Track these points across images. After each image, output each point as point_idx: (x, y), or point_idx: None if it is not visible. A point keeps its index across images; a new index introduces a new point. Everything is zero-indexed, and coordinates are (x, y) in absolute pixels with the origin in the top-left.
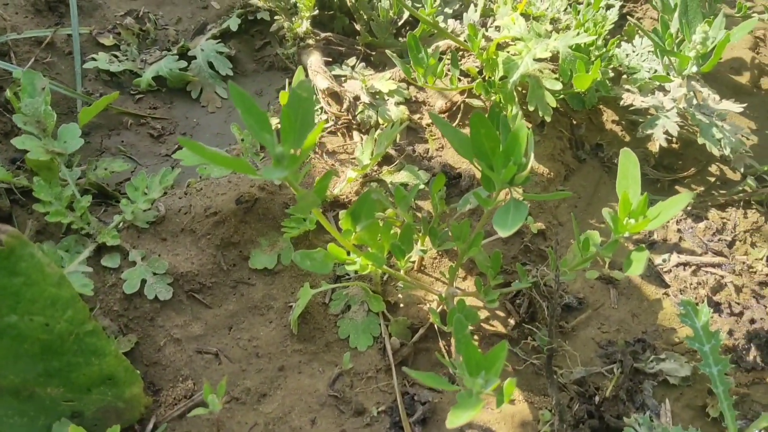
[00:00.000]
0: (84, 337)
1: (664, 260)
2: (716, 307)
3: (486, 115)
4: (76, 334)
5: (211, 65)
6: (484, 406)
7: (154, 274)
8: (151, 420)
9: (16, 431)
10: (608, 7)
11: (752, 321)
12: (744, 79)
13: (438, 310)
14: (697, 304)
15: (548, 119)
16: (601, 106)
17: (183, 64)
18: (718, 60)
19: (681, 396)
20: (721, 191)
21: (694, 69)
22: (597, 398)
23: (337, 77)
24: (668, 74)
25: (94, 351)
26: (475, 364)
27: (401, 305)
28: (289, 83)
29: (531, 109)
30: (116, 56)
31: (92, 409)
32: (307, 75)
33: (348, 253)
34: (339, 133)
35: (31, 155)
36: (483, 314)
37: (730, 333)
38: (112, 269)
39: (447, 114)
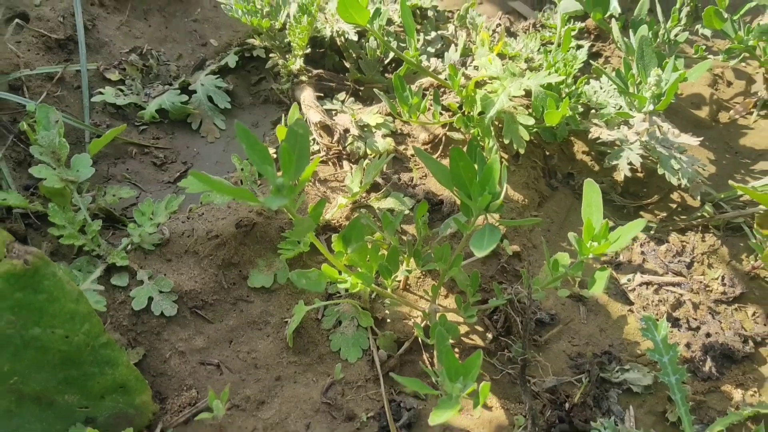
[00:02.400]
0: (99, 349)
1: (628, 280)
2: (675, 322)
3: (465, 148)
4: (92, 345)
5: (210, 99)
6: (463, 411)
7: (160, 292)
8: (158, 425)
9: None
10: (578, 47)
11: (708, 335)
12: (703, 113)
13: (422, 325)
14: (657, 319)
15: (522, 151)
16: (572, 138)
17: (184, 97)
18: (671, 100)
19: (643, 403)
20: (682, 217)
21: (651, 107)
22: (567, 405)
23: (328, 111)
24: (631, 110)
25: (107, 361)
26: (454, 370)
27: (388, 321)
28: (284, 116)
29: (506, 142)
30: (122, 90)
31: (105, 415)
32: (300, 109)
33: (339, 273)
34: (330, 163)
35: (46, 183)
36: (463, 329)
37: (688, 346)
38: (121, 287)
39: (430, 145)
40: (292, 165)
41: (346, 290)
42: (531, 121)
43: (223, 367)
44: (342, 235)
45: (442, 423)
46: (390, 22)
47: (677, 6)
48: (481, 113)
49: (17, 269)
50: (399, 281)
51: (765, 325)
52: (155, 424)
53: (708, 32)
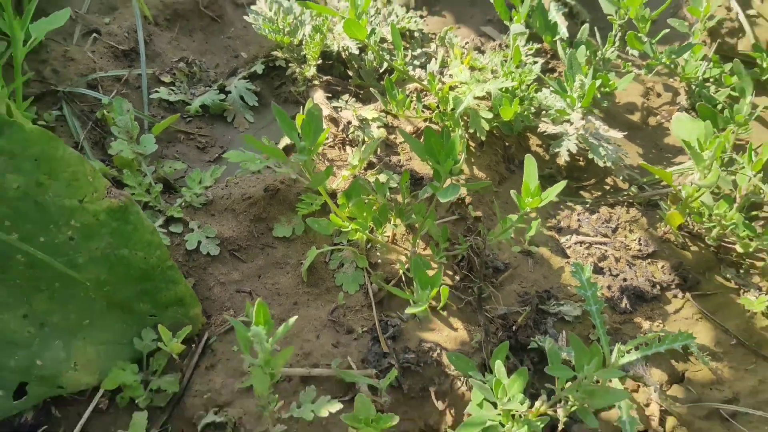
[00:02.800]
0: (166, 270)
1: (566, 239)
2: (600, 270)
3: (435, 132)
4: (162, 267)
5: (242, 98)
6: (434, 330)
7: (207, 237)
8: (205, 334)
9: (119, 335)
10: (534, 62)
11: (625, 280)
12: (636, 117)
13: (405, 266)
14: (584, 265)
15: (484, 139)
16: (528, 134)
17: (221, 96)
18: (591, 98)
19: (573, 329)
20: (613, 195)
21: (579, 105)
22: (514, 327)
23: (335, 108)
24: (568, 110)
25: (172, 280)
26: (424, 281)
27: (379, 263)
28: (302, 109)
29: (471, 131)
30: (173, 90)
31: (167, 323)
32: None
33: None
34: (336, 147)
35: (122, 154)
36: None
37: (609, 288)
38: (177, 233)
39: (414, 135)
40: (311, 133)
41: (348, 240)
42: (490, 116)
43: (254, 294)
44: (345, 192)
45: (415, 315)
46: (384, 40)
47: (612, 32)
48: (452, 109)
49: (114, 206)
50: (388, 236)
51: (670, 275)
52: (202, 333)
53: (636, 53)
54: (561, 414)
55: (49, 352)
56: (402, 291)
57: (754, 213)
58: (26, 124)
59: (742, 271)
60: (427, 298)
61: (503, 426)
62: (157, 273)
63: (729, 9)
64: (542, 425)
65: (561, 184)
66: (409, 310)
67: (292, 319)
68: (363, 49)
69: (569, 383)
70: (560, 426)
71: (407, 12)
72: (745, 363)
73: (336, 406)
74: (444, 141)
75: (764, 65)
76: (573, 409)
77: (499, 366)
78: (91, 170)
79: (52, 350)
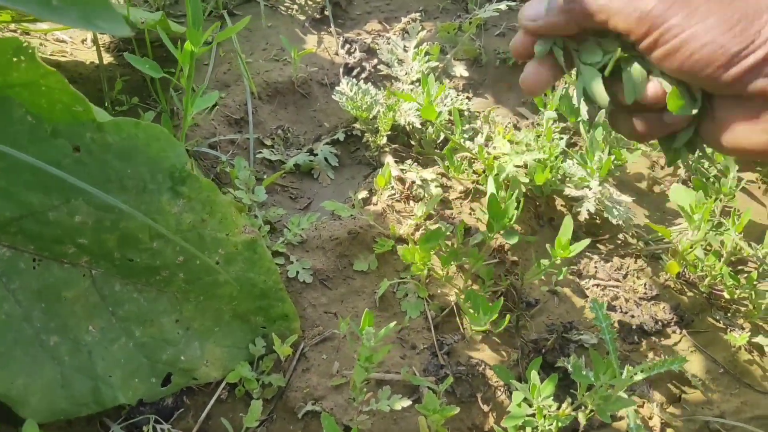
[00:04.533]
0: (278, 291)
1: (585, 282)
2: (613, 308)
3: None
4: (275, 288)
5: (326, 159)
6: (479, 351)
7: (303, 268)
8: (301, 344)
9: (239, 340)
10: (560, 138)
11: (633, 317)
12: (643, 185)
13: (460, 297)
14: (600, 302)
15: (522, 199)
16: (554, 196)
17: (311, 157)
18: (607, 171)
19: (590, 354)
20: (623, 248)
21: (597, 175)
22: (543, 350)
23: (402, 170)
24: (588, 178)
25: (281, 299)
26: (485, 308)
27: (437, 294)
28: (372, 171)
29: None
30: (273, 151)
31: (275, 333)
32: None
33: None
34: (402, 201)
35: (242, 201)
36: None
37: (620, 323)
38: (280, 264)
39: (463, 193)
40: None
41: (411, 275)
42: (526, 180)
43: (338, 315)
44: (427, 236)
45: (464, 337)
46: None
47: None
48: (496, 175)
49: (248, 239)
50: (443, 273)
51: (669, 314)
52: (298, 344)
53: None
54: (581, 418)
55: (189, 350)
56: (473, 314)
57: (741, 267)
58: (200, 176)
59: (729, 314)
60: (487, 322)
61: (537, 419)
62: (272, 293)
63: None
64: (567, 423)
65: (585, 242)
66: (475, 328)
67: (392, 324)
68: (423, 124)
69: (588, 393)
70: (581, 429)
71: (457, 95)
72: (731, 388)
73: (406, 403)
74: (507, 206)
75: None
76: (590, 415)
77: (534, 374)
78: (235, 212)
79: (192, 349)
